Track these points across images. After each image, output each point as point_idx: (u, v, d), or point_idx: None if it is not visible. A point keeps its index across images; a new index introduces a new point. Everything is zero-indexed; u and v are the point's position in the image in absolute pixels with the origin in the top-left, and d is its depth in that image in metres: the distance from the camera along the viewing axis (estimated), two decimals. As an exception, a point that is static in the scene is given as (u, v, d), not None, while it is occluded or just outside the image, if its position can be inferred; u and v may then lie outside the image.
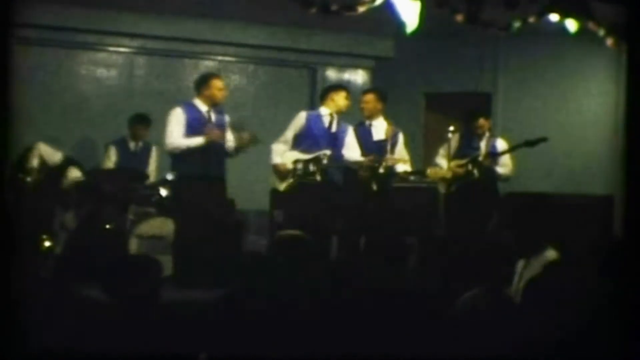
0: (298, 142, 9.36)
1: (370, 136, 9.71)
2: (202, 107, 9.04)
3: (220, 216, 9.11)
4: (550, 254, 6.27)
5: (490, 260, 5.67)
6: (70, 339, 3.69)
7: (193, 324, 3.99)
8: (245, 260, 5.09)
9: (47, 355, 3.58)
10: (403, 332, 4.09)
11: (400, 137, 9.76)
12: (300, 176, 9.22)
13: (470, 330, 4.12)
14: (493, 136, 10.39)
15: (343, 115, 9.63)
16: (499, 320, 4.16)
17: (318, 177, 9.15)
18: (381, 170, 9.36)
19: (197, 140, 8.87)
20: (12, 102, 3.31)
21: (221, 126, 9.07)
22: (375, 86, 10.96)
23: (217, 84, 9.09)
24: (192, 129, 8.94)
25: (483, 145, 10.18)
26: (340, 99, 9.47)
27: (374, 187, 9.36)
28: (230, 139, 9.09)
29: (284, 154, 9.31)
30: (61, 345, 3.63)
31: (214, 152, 8.98)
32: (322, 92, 9.75)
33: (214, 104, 9.08)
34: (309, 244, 5.66)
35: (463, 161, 10.00)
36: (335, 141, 9.38)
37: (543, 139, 9.77)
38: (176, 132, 8.94)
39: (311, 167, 9.18)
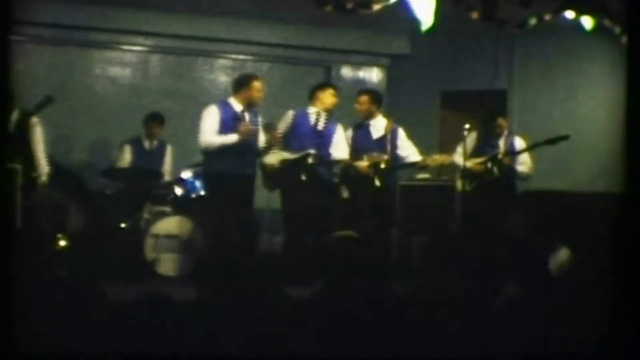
0: (286, 142, 9.32)
1: (370, 135, 9.63)
2: (237, 106, 9.03)
3: (249, 215, 9.14)
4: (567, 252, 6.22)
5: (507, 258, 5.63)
6: (71, 339, 3.67)
7: (199, 324, 3.96)
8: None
9: (47, 355, 3.56)
10: (420, 332, 4.06)
11: (401, 132, 9.67)
12: (286, 176, 9.19)
13: (486, 328, 4.09)
14: (510, 134, 10.34)
15: (341, 114, 9.62)
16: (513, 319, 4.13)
17: (304, 177, 9.10)
18: (382, 166, 9.34)
19: (231, 138, 8.85)
20: (11, 104, 3.28)
21: (255, 126, 9.07)
22: (369, 88, 10.86)
23: (257, 85, 9.09)
24: (226, 127, 8.92)
25: (501, 143, 10.12)
26: (326, 97, 9.40)
27: (376, 184, 9.33)
28: (261, 139, 9.10)
29: (272, 154, 9.29)
30: (61, 345, 3.60)
31: (246, 151, 8.97)
32: (310, 91, 9.65)
33: (250, 105, 9.08)
34: (362, 243, 5.64)
35: (481, 159, 9.95)
36: (321, 140, 9.31)
37: (564, 137, 9.72)
38: (210, 130, 8.93)
39: (297, 167, 9.13)
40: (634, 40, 3.49)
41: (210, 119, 8.97)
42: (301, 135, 9.30)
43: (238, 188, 8.91)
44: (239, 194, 8.91)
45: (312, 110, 9.39)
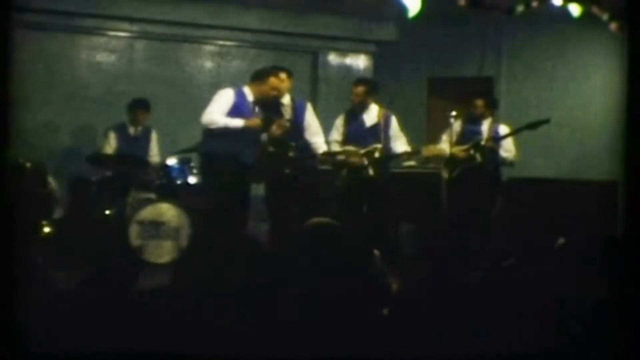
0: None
1: (363, 123, 9.61)
2: (250, 96, 8.98)
3: (248, 200, 9.15)
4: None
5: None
6: (71, 338, 3.63)
7: (197, 319, 3.92)
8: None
9: (47, 355, 3.52)
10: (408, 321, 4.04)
11: (393, 120, 9.65)
12: (272, 170, 9.18)
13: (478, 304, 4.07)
14: (496, 121, 10.32)
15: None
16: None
17: (287, 171, 9.06)
18: (376, 155, 9.33)
19: (236, 123, 8.81)
20: (12, 93, 3.25)
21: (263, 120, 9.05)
22: (364, 77, 10.78)
23: (272, 82, 8.99)
24: (235, 113, 8.88)
25: (485, 129, 10.11)
26: (276, 82, 9.14)
27: (370, 173, 9.33)
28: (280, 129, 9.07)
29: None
30: (61, 345, 3.57)
31: (248, 138, 8.95)
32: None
33: (262, 98, 9.02)
34: (339, 231, 5.58)
35: (465, 146, 9.94)
36: (293, 128, 9.20)
37: (545, 121, 9.71)
38: (218, 109, 8.85)
39: (280, 160, 9.11)
40: (633, 25, 3.46)
41: (223, 100, 8.90)
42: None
43: (240, 173, 8.91)
44: (241, 180, 8.93)
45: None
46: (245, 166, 8.97)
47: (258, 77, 9.05)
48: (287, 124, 8.99)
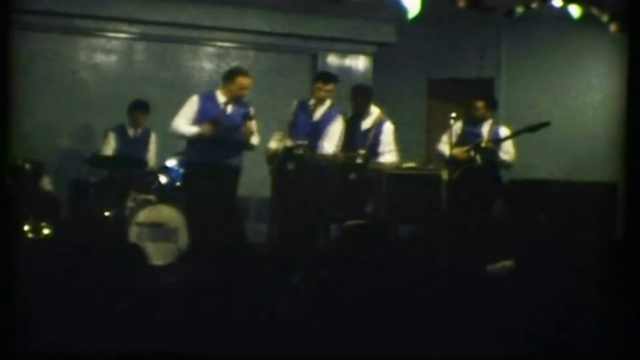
0: (289, 130, 9.39)
1: (358, 128, 9.65)
2: (221, 98, 9.14)
3: (229, 205, 9.18)
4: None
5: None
6: (71, 338, 3.62)
7: (197, 320, 3.91)
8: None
9: (47, 355, 3.52)
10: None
11: (386, 127, 9.64)
12: (279, 163, 9.26)
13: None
14: (496, 123, 10.31)
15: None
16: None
17: (290, 166, 9.14)
18: (359, 161, 9.34)
19: (192, 130, 9.00)
20: (13, 95, 3.25)
21: (237, 118, 9.09)
22: (361, 85, 10.77)
23: (241, 81, 9.14)
24: (205, 117, 9.04)
25: (485, 131, 10.10)
26: (317, 90, 9.43)
27: (351, 177, 9.38)
28: (248, 130, 9.09)
29: (279, 140, 9.34)
30: (61, 345, 3.56)
31: (227, 141, 9.04)
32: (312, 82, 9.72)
33: (234, 99, 9.14)
34: (374, 232, 5.62)
35: (465, 148, 9.93)
36: (316, 131, 9.33)
37: (545, 124, 9.70)
38: (181, 117, 9.09)
39: (287, 156, 9.20)
40: (634, 36, 3.46)
41: (188, 107, 9.15)
42: (297, 125, 9.38)
43: (217, 179, 8.95)
44: (218, 185, 8.96)
45: (311, 102, 9.44)
46: (230, 170, 9.04)
47: (226, 78, 9.23)
48: (213, 129, 8.98)
